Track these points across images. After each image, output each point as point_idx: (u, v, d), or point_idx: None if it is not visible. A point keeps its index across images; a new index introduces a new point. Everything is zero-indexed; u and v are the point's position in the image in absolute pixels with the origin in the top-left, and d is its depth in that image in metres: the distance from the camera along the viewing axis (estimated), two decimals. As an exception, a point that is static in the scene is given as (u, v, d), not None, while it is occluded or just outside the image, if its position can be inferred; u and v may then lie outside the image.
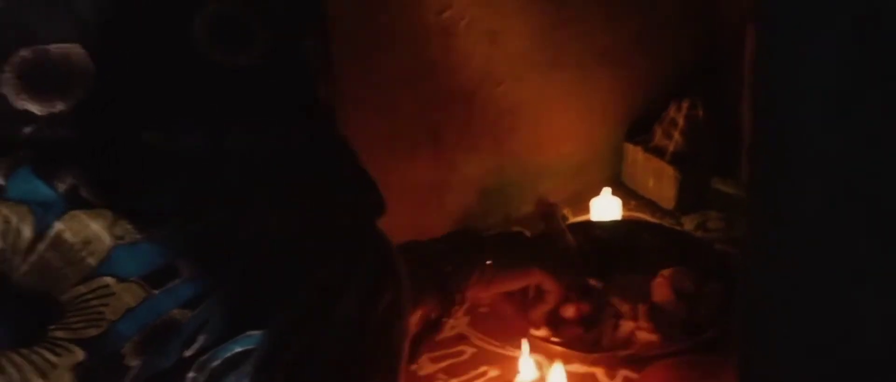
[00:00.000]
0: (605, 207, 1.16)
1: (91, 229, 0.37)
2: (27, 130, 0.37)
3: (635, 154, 1.24)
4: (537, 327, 0.94)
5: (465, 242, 0.81)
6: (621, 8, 1.16)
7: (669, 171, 1.19)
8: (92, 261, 0.38)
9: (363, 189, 0.48)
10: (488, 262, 0.80)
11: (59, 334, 0.38)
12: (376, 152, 1.00)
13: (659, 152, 1.21)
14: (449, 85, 1.06)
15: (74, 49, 0.37)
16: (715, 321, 0.95)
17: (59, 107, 0.37)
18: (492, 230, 1.10)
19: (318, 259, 0.44)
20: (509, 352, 0.95)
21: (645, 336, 0.95)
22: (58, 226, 0.37)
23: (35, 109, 0.37)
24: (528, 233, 0.98)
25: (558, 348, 0.94)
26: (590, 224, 1.14)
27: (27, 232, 0.37)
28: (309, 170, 0.45)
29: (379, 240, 0.50)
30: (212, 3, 0.40)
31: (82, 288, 0.38)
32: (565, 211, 1.16)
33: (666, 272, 1.01)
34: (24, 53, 0.37)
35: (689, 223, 1.17)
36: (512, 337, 0.96)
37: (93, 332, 0.38)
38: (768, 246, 0.71)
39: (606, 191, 1.17)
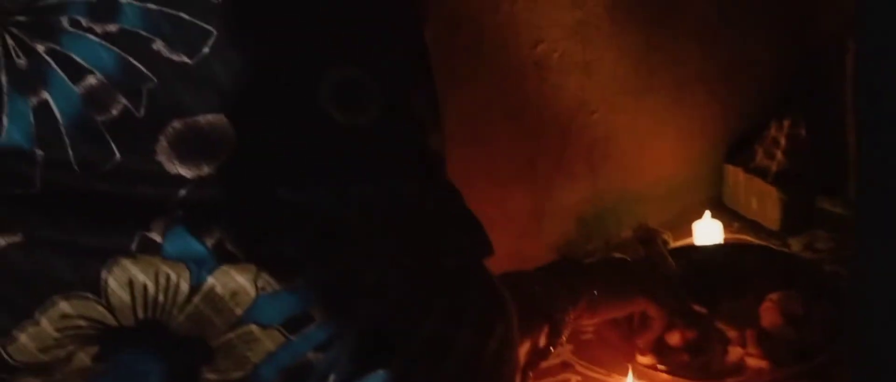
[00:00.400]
0: (707, 230, 1.15)
1: (238, 282, 0.42)
2: (181, 193, 0.42)
3: (736, 175, 1.22)
4: (643, 354, 0.94)
5: (569, 270, 0.83)
6: (715, 30, 1.16)
7: (773, 191, 1.16)
8: (238, 311, 0.42)
9: (471, 231, 0.51)
10: (594, 290, 0.81)
11: (211, 376, 0.43)
12: (474, 184, 1.04)
13: (761, 173, 1.19)
14: (544, 116, 1.08)
15: (219, 119, 0.42)
16: (826, 345, 0.93)
17: (206, 170, 0.42)
18: (591, 257, 1.11)
19: (434, 299, 0.48)
20: (614, 380, 0.96)
21: (754, 362, 0.94)
22: (210, 280, 0.41)
23: (186, 172, 0.42)
24: (629, 260, 0.98)
25: (665, 375, 0.93)
26: (692, 249, 1.13)
27: (184, 287, 0.41)
28: (422, 215, 0.48)
29: (487, 277, 0.53)
30: (334, 69, 0.44)
31: (231, 335, 0.42)
32: (666, 235, 1.16)
33: (774, 295, 0.99)
34: (177, 124, 0.42)
35: (795, 244, 1.14)
36: (616, 365, 0.96)
37: (239, 374, 0.43)
38: (879, 267, 0.69)
39: (707, 214, 1.16)
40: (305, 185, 0.43)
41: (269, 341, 0.42)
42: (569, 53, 1.06)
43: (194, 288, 0.42)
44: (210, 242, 0.42)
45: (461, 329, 0.48)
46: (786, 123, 1.18)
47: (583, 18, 1.06)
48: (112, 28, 0.42)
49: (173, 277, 0.41)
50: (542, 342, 0.74)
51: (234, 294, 0.42)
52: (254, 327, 0.42)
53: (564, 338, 0.78)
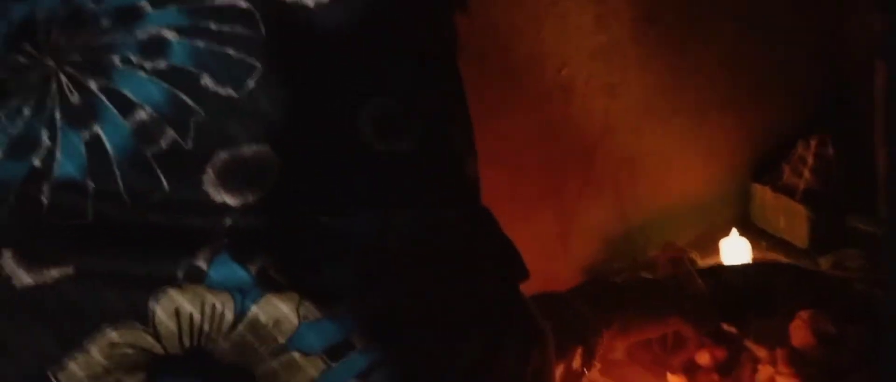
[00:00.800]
0: (735, 248, 1.15)
1: (281, 311, 0.43)
2: (227, 222, 0.43)
3: (764, 194, 1.22)
4: (675, 373, 0.94)
5: (601, 291, 0.83)
6: (742, 53, 1.16)
7: (801, 209, 1.16)
8: (281, 339, 0.43)
9: (508, 257, 0.52)
10: (626, 311, 0.81)
11: None
12: (502, 207, 1.05)
13: (789, 191, 1.19)
14: (570, 138, 1.09)
15: (263, 149, 0.43)
16: (859, 365, 0.92)
17: (251, 199, 0.43)
18: (620, 277, 1.11)
19: (473, 325, 0.49)
20: (644, 400, 0.96)
21: (785, 381, 0.94)
22: (254, 309, 0.43)
23: (231, 201, 0.43)
24: (659, 279, 0.98)
25: (695, 395, 0.94)
26: (721, 268, 1.13)
27: (229, 316, 0.43)
28: (462, 242, 0.49)
29: (525, 304, 0.54)
30: (375, 98, 0.46)
31: (274, 363, 0.43)
32: (693, 254, 1.16)
33: (804, 314, 0.98)
34: (223, 154, 0.43)
35: (825, 263, 1.14)
36: (645, 384, 0.96)
37: None
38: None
39: (734, 232, 1.16)
40: (347, 213, 0.45)
41: (311, 368, 0.44)
42: (594, 76, 1.07)
43: (239, 316, 0.43)
44: (254, 269, 0.43)
45: (499, 357, 0.49)
46: (813, 141, 1.18)
47: (607, 42, 1.07)
48: (161, 65, 0.44)
49: (219, 306, 0.43)
50: (577, 364, 0.75)
51: (277, 322, 0.43)
52: (296, 354, 0.43)
53: (598, 360, 0.79)
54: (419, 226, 0.47)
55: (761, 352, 0.97)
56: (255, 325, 0.43)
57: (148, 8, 0.45)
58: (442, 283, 0.48)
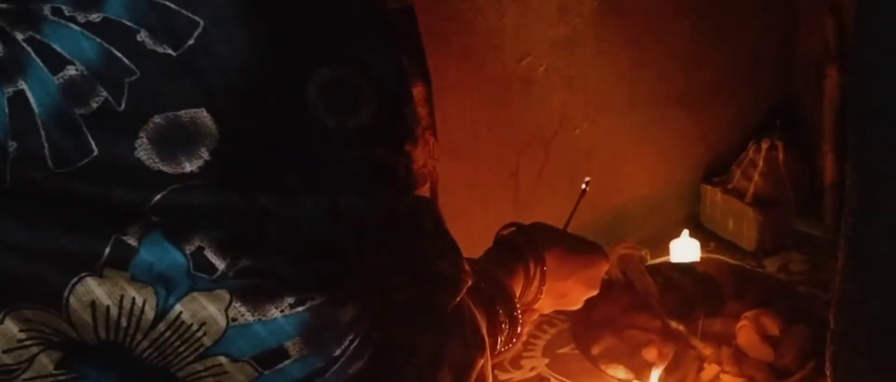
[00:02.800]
0: (684, 249, 1.15)
1: (208, 312, 0.40)
2: (159, 196, 0.40)
3: (714, 196, 1.23)
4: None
5: (514, 248, 0.77)
6: (699, 52, 1.17)
7: (750, 212, 1.18)
8: (207, 341, 0.40)
9: (454, 260, 0.50)
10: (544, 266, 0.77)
11: None
12: (458, 195, 1.04)
13: (738, 194, 1.20)
14: (528, 129, 1.08)
15: (200, 114, 0.40)
16: (801, 365, 0.94)
17: (187, 168, 0.40)
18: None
19: (419, 334, 0.46)
20: (591, 393, 0.96)
21: (730, 379, 0.94)
22: (177, 308, 0.39)
23: (167, 169, 0.40)
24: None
25: (641, 391, 0.94)
26: (670, 266, 1.14)
27: (149, 314, 0.40)
28: (409, 235, 0.46)
29: (470, 311, 0.52)
30: (325, 69, 0.42)
31: (198, 366, 0.40)
32: (644, 253, 1.16)
33: (749, 314, 0.99)
34: (158, 119, 0.40)
35: (770, 265, 1.15)
36: (591, 379, 0.96)
37: None
38: (860, 290, 0.70)
39: (685, 232, 1.16)
40: (293, 193, 0.41)
41: (240, 374, 0.40)
42: (554, 67, 1.06)
43: (160, 315, 0.40)
44: (189, 248, 0.40)
45: (443, 365, 0.47)
46: (764, 145, 1.19)
47: (569, 34, 1.06)
48: (95, 17, 0.40)
49: (138, 301, 0.39)
50: (503, 340, 0.72)
51: (202, 323, 0.40)
52: (223, 359, 0.40)
53: (526, 327, 0.75)
54: (369, 214, 0.44)
55: (707, 350, 0.98)
56: (178, 325, 0.40)
57: None
58: (389, 281, 0.45)
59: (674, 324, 1.00)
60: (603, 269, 0.82)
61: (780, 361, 0.95)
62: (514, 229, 0.77)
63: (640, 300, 1.03)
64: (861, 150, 0.66)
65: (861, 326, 0.70)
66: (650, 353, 0.97)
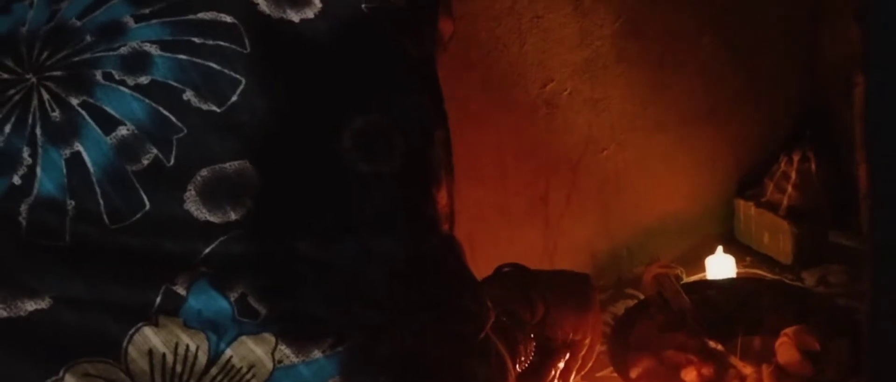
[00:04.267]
0: (720, 264, 1.15)
1: (255, 355, 0.42)
2: (207, 248, 0.42)
3: (747, 210, 1.22)
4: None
5: (517, 282, 0.78)
6: (723, 67, 1.17)
7: (784, 225, 1.16)
8: None
9: (477, 295, 0.51)
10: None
11: None
12: (488, 221, 1.05)
13: (772, 207, 1.19)
14: (555, 153, 1.09)
15: (244, 165, 0.43)
16: (844, 379, 0.92)
17: (233, 216, 0.42)
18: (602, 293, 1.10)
19: (448, 365, 0.48)
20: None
21: (771, 398, 0.93)
22: (228, 352, 0.42)
23: (214, 219, 0.42)
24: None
25: (681, 411, 0.93)
26: (706, 284, 1.13)
27: (202, 359, 0.42)
28: (437, 275, 0.48)
29: (493, 341, 0.53)
30: (358, 118, 0.45)
31: None
32: (679, 270, 1.16)
33: (789, 330, 0.98)
34: (205, 172, 0.43)
35: (809, 279, 1.14)
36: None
37: None
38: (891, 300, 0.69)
39: (719, 248, 1.16)
40: (329, 237, 0.44)
41: None
42: (577, 91, 1.07)
43: (212, 359, 0.42)
44: (233, 296, 0.42)
45: None
46: (795, 157, 1.18)
47: (591, 57, 1.07)
48: (144, 80, 0.43)
49: (192, 347, 0.42)
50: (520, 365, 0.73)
51: (251, 366, 0.42)
52: None
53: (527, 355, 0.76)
54: (399, 255, 0.46)
55: (747, 369, 0.96)
56: (229, 368, 0.42)
57: (132, 23, 0.44)
58: (421, 321, 0.46)
59: (712, 343, 0.99)
60: (593, 297, 0.82)
61: (821, 377, 0.94)
62: (512, 268, 0.79)
63: (677, 319, 1.03)
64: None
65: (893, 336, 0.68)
66: (690, 374, 0.96)
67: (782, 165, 1.19)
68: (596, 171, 1.12)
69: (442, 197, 0.49)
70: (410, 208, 0.47)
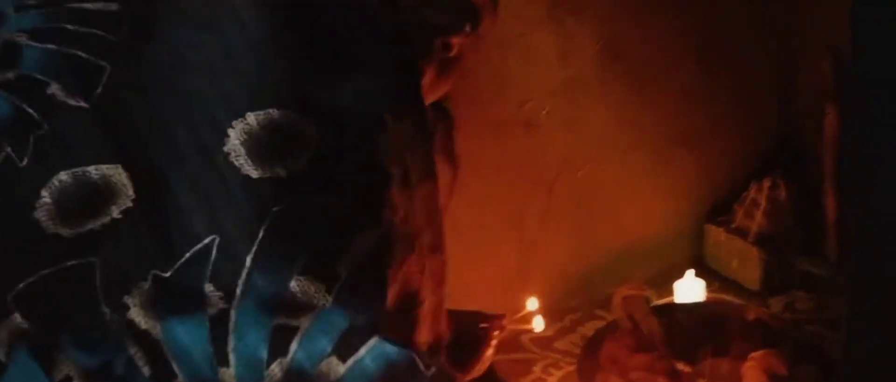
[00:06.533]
0: (689, 288, 1.15)
1: None
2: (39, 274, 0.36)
3: (717, 235, 1.24)
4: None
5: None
6: (699, 93, 1.18)
7: (753, 252, 1.18)
8: None
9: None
10: None
11: None
12: (463, 239, 1.04)
13: (741, 233, 1.20)
14: (531, 172, 1.09)
15: (115, 170, 0.38)
16: (810, 406, 0.93)
17: (87, 227, 0.38)
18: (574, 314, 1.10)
19: None
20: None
21: (738, 421, 0.94)
22: None
23: (65, 232, 0.37)
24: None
25: (649, 433, 0.93)
26: (674, 307, 1.13)
27: None
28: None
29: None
30: (250, 114, 0.39)
31: None
32: (648, 293, 1.16)
33: (757, 355, 0.99)
34: (64, 176, 0.38)
35: (776, 305, 1.15)
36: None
37: None
38: (869, 327, 0.70)
39: (689, 272, 1.17)
40: (189, 269, 0.38)
41: None
42: (556, 110, 1.08)
43: None
44: (58, 376, 0.37)
45: None
46: (765, 184, 1.20)
47: (570, 77, 1.08)
48: (10, 75, 0.39)
49: None
50: None
51: None
52: None
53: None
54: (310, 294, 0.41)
55: (714, 392, 0.97)
56: None
57: (11, 13, 0.40)
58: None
59: (680, 366, 1.00)
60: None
61: (788, 402, 0.95)
62: None
63: (646, 341, 1.03)
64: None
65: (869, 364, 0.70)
66: (657, 395, 0.97)
67: (752, 192, 1.21)
68: (571, 191, 1.13)
69: (438, 188, 0.46)
70: (315, 218, 0.41)
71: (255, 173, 0.40)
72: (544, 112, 1.07)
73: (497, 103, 1.03)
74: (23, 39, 0.39)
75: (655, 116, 1.15)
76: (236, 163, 0.39)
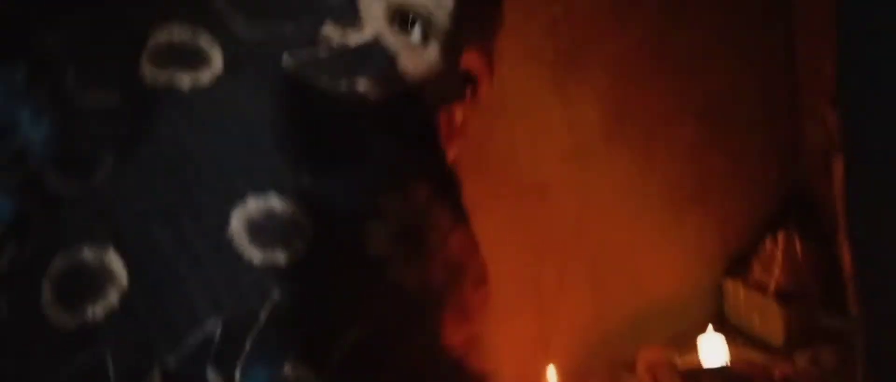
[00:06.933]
0: (711, 345, 1.15)
1: None
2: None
3: (736, 291, 1.23)
4: None
5: None
6: (706, 150, 1.20)
7: (774, 307, 1.17)
8: None
9: None
10: None
11: None
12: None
13: (760, 288, 1.20)
14: (545, 238, 1.10)
15: (109, 255, 0.37)
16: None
17: (91, 317, 0.37)
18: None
19: None
20: None
21: None
22: None
23: (69, 320, 0.37)
24: None
25: None
26: (700, 372, 1.13)
27: None
28: None
29: None
30: (251, 197, 0.40)
31: None
32: (671, 354, 1.15)
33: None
34: (59, 261, 0.38)
35: (801, 359, 1.14)
36: None
37: None
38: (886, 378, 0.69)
39: (710, 329, 1.16)
40: (196, 362, 0.38)
41: None
42: (566, 176, 1.09)
43: None
44: None
45: None
46: (780, 238, 1.20)
47: (577, 143, 1.09)
48: (17, 174, 0.40)
49: None
50: None
51: None
52: None
53: None
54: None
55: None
56: None
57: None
58: None
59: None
60: None
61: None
62: None
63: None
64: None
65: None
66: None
67: (768, 246, 1.21)
68: (586, 255, 1.14)
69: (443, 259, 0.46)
70: (312, 307, 0.42)
71: (256, 259, 0.40)
72: (555, 179, 1.09)
73: (508, 174, 1.05)
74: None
75: (663, 176, 1.16)
76: (239, 248, 0.40)
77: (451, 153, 0.64)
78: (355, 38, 0.44)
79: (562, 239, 1.12)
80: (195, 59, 0.41)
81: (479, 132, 1.01)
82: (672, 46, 1.12)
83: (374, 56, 0.45)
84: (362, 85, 0.44)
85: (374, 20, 0.45)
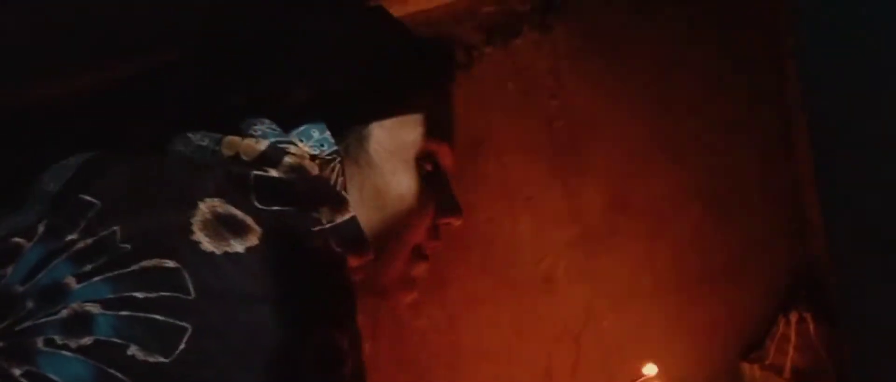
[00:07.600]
0: (732, 431, 1.13)
1: None
2: None
3: (752, 373, 1.22)
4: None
5: None
6: (711, 234, 1.21)
7: (791, 388, 1.16)
8: None
9: None
10: None
11: None
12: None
13: (776, 370, 1.19)
14: (555, 328, 1.11)
15: None
16: None
17: None
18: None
19: None
20: None
21: None
22: None
23: None
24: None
25: None
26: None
27: None
28: None
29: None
30: (318, 332, 0.48)
31: None
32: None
33: None
34: None
35: (821, 441, 1.12)
36: None
37: None
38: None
39: (730, 414, 1.14)
40: None
41: None
42: (573, 264, 1.10)
43: None
44: None
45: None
46: (793, 318, 1.20)
47: (582, 232, 1.11)
48: (86, 341, 0.43)
49: None
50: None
51: None
52: None
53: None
54: None
55: None
56: None
57: (74, 284, 0.45)
58: None
59: None
60: None
61: None
62: None
63: None
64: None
65: None
66: None
67: (781, 326, 1.20)
68: (598, 342, 1.14)
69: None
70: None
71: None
72: (562, 267, 1.10)
73: (514, 265, 1.06)
74: (96, 308, 0.44)
75: (671, 260, 1.17)
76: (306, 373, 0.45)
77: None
78: None
79: (572, 327, 1.12)
80: None
81: (482, 223, 1.04)
82: (671, 133, 1.15)
83: None
84: None
85: None
